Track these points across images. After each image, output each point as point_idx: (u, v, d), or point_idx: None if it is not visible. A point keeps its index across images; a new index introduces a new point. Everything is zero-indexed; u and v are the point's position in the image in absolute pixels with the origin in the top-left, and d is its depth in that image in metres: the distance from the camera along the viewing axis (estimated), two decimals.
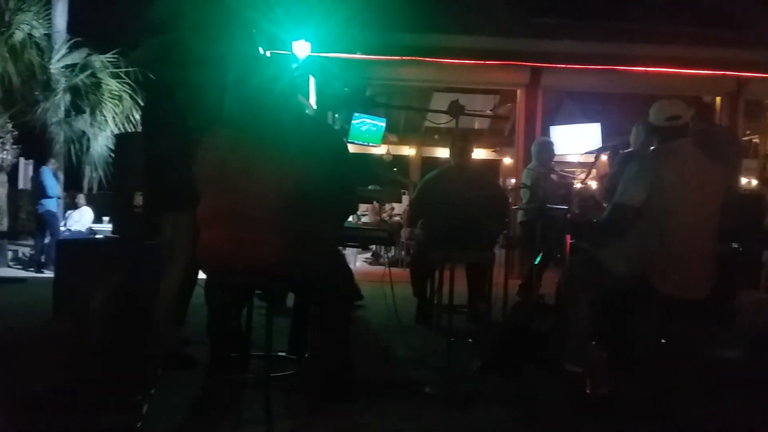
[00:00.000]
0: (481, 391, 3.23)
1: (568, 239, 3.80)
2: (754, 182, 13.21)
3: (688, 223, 3.14)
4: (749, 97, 9.21)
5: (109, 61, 9.87)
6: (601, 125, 9.41)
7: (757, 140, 13.22)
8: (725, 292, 3.78)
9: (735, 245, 3.96)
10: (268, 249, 2.52)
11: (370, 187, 9.10)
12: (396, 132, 14.24)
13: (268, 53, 7.23)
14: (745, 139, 11.42)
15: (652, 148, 3.40)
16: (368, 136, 9.11)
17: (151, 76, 3.57)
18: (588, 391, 3.02)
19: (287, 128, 2.71)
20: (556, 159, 9.04)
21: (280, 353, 3.40)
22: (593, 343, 3.12)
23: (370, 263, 9.91)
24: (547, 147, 6.26)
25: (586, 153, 9.09)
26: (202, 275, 3.00)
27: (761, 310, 5.62)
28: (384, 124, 9.30)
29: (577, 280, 3.43)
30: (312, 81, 7.24)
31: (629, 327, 3.33)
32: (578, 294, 3.38)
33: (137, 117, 9.74)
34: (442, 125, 4.26)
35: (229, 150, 2.63)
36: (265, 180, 2.55)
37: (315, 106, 7.00)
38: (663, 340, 3.31)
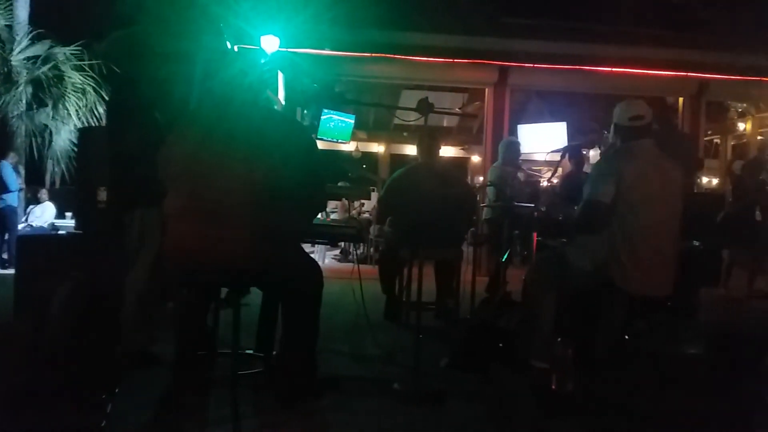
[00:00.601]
0: (449, 387, 3.25)
1: (535, 237, 3.85)
2: (715, 181, 13.56)
3: (650, 221, 3.20)
4: (710, 99, 9.42)
5: (72, 54, 9.66)
6: (567, 124, 9.55)
7: (718, 140, 13.56)
8: (687, 290, 3.88)
9: (696, 243, 4.05)
10: (235, 246, 2.50)
11: (339, 183, 9.10)
12: (365, 129, 14.24)
13: (236, 48, 7.16)
14: (706, 139, 11.69)
15: (615, 148, 3.47)
16: (337, 133, 9.07)
17: (115, 69, 3.49)
18: (554, 387, 3.07)
19: (256, 124, 2.68)
20: (522, 157, 9.11)
21: (247, 351, 3.37)
22: (559, 339, 3.17)
23: (339, 260, 9.89)
24: (513, 146, 6.34)
25: (553, 152, 9.21)
26: None
27: (722, 307, 5.77)
28: (353, 121, 9.28)
29: (544, 277, 3.48)
30: (280, 76, 7.19)
31: (594, 324, 3.39)
32: (544, 291, 3.43)
33: (101, 111, 9.57)
34: (411, 123, 4.28)
35: (197, 146, 2.60)
36: (234, 176, 2.52)
37: (283, 102, 6.95)
38: (627, 337, 3.38)
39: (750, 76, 8.53)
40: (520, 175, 6.38)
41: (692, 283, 4.17)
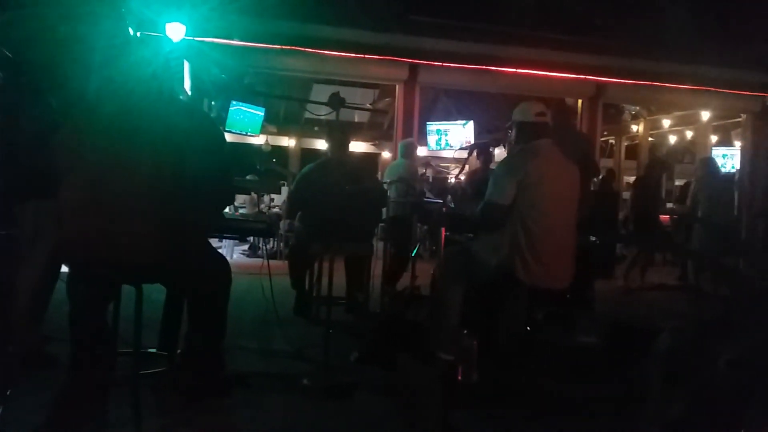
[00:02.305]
0: (358, 381, 3.27)
1: (443, 232, 3.93)
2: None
3: (551, 218, 3.35)
4: (607, 101, 9.92)
5: None
6: (474, 123, 9.80)
7: (612, 141, 14.32)
8: (584, 282, 4.08)
9: (592, 238, 4.27)
10: (137, 241, 2.41)
11: (247, 177, 8.95)
12: (275, 122, 14.04)
13: (138, 35, 6.87)
14: (602, 140, 12.31)
15: (519, 147, 3.60)
16: (246, 126, 8.91)
17: (6, 53, 3.27)
18: (459, 378, 3.15)
19: (160, 114, 2.59)
20: (431, 154, 9.30)
21: (150, 349, 3.26)
22: (464, 332, 3.25)
23: (248, 255, 9.71)
24: (411, 146, 6.60)
25: (460, 149, 9.42)
26: (64, 268, 2.82)
27: (615, 299, 6.11)
28: (263, 114, 9.13)
29: (450, 271, 3.57)
30: (187, 66, 6.96)
31: (498, 316, 3.50)
32: (451, 285, 3.52)
33: None
34: (322, 117, 4.26)
35: (97, 135, 2.48)
36: (137, 168, 2.43)
37: (189, 92, 6.75)
38: (528, 328, 3.52)
39: (643, 81, 9.06)
40: (429, 172, 6.53)
41: (588, 276, 4.39)
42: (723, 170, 8.45)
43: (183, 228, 2.54)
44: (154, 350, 3.30)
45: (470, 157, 4.56)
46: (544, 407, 3.06)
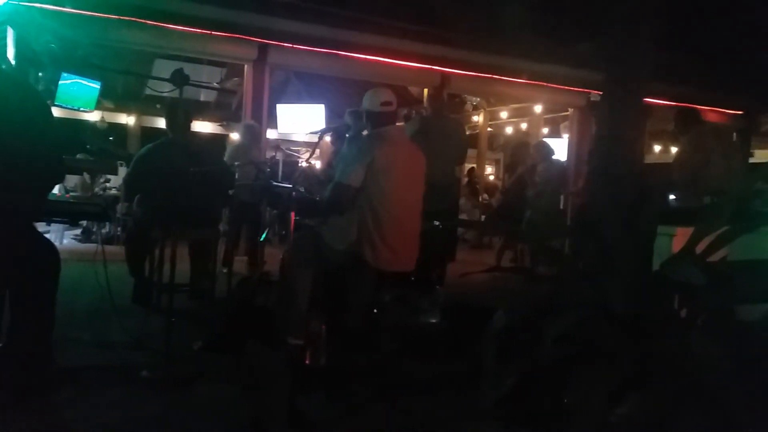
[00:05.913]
0: (203, 370, 3.17)
1: (293, 216, 3.90)
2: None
3: (397, 203, 3.45)
4: (451, 91, 10.33)
5: None
6: (325, 107, 9.81)
7: None
8: (428, 265, 4.24)
9: (436, 223, 4.44)
10: None
11: (78, 156, 8.30)
12: (112, 98, 13.10)
13: None
14: None
15: (366, 132, 3.67)
16: (79, 100, 8.27)
17: None
18: (307, 362, 3.16)
19: None
20: (281, 137, 9.23)
21: None
22: (313, 315, 3.27)
23: (80, 241, 9.03)
24: (254, 129, 6.66)
25: (311, 133, 9.40)
26: None
27: (455, 280, 6.42)
28: (98, 88, 8.51)
29: (299, 255, 3.56)
30: (10, 32, 6.32)
31: (346, 299, 3.55)
32: (300, 269, 3.51)
33: None
34: (164, 94, 4.03)
35: None
36: None
37: (13, 62, 6.13)
38: (375, 310, 3.60)
39: (484, 73, 9.54)
40: (278, 156, 6.46)
41: (432, 259, 4.58)
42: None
43: (3, 210, 2.31)
44: None
45: (321, 142, 4.55)
46: (390, 386, 3.15)
